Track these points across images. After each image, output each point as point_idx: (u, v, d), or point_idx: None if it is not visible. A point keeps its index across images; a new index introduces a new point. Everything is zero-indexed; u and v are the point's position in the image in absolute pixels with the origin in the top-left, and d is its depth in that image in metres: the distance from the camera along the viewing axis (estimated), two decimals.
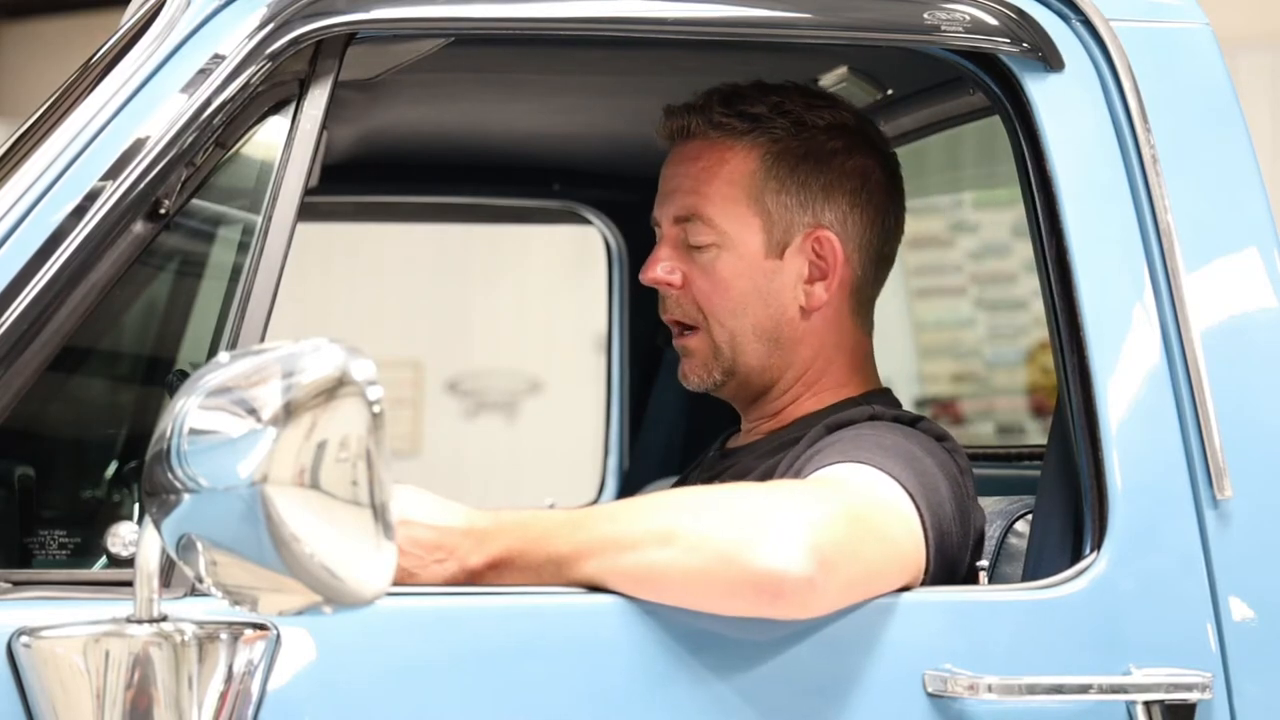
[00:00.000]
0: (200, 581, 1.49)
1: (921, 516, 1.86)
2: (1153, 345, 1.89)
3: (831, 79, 2.37)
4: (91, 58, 2.07)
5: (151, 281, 2.39)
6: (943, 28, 1.93)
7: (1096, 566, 1.82)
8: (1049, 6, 1.95)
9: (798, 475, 1.95)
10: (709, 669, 1.73)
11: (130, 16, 2.13)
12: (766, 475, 2.05)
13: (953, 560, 1.93)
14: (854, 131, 2.17)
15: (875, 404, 2.11)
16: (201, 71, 1.77)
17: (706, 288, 2.13)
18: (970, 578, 1.96)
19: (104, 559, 1.77)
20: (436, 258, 7.98)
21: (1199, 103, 1.97)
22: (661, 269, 2.16)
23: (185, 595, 1.66)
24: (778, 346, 2.14)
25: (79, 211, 1.72)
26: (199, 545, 1.46)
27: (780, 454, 2.08)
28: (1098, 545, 1.83)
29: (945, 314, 7.23)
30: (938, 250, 7.06)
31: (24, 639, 1.59)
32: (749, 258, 2.12)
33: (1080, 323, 1.89)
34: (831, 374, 2.16)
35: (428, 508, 1.78)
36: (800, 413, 2.15)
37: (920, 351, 7.22)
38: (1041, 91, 1.94)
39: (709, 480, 2.17)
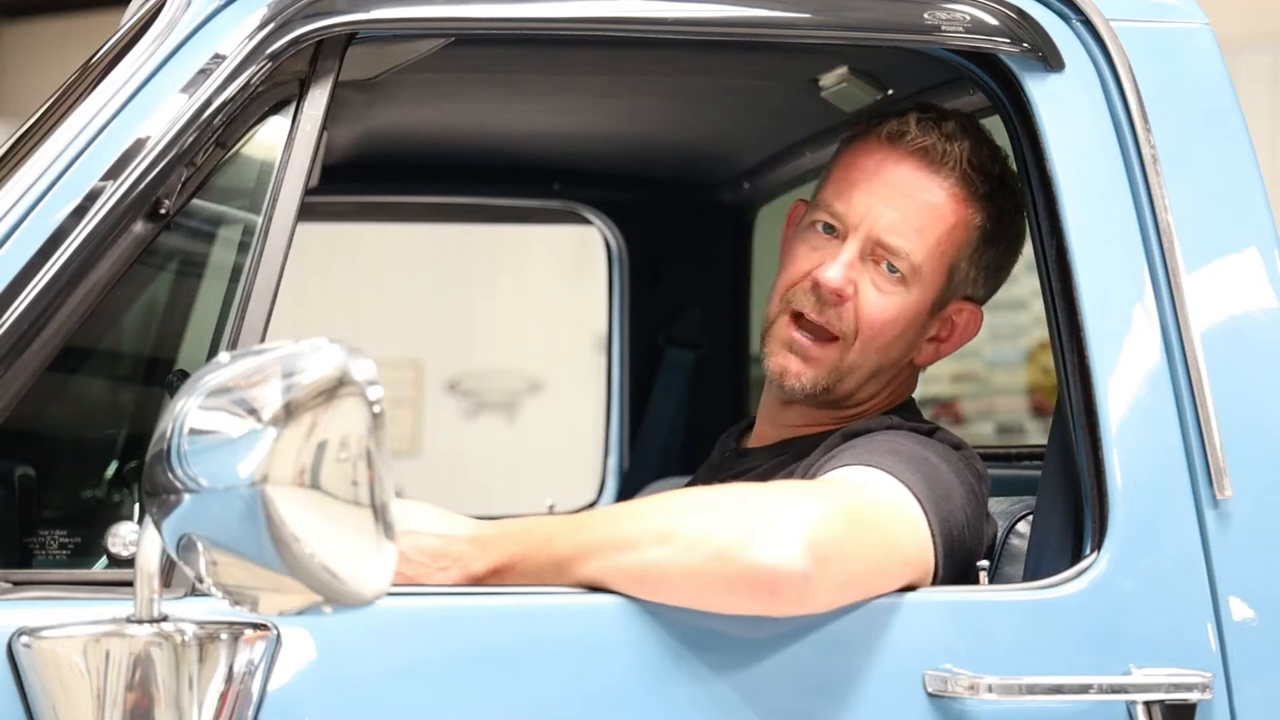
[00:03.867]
0: (200, 581, 1.49)
1: (929, 520, 1.85)
2: (1153, 345, 1.89)
3: (831, 79, 2.37)
4: (91, 58, 2.07)
5: (151, 281, 2.39)
6: (943, 28, 1.92)
7: (1096, 566, 1.82)
8: (1049, 6, 1.95)
9: (811, 479, 1.95)
10: (709, 668, 1.73)
11: (130, 16, 2.13)
12: (784, 478, 2.05)
13: (963, 567, 1.92)
14: (1021, 202, 2.12)
15: (896, 414, 2.11)
16: (201, 71, 1.77)
17: (876, 316, 2.08)
18: (970, 578, 1.96)
19: (104, 559, 1.77)
20: (436, 258, 7.98)
21: (1199, 103, 1.97)
22: (845, 279, 2.07)
23: (185, 595, 1.66)
24: (880, 383, 2.14)
25: (79, 211, 1.72)
26: (199, 545, 1.46)
27: (798, 461, 2.07)
28: (1098, 545, 1.83)
29: None
30: None
31: (24, 639, 1.59)
32: (920, 307, 2.10)
33: (1080, 323, 1.89)
34: (887, 401, 2.17)
35: (431, 518, 1.79)
36: (839, 427, 2.13)
37: None
38: (1041, 91, 1.94)
39: (724, 478, 2.17)
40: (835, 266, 2.07)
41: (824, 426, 2.14)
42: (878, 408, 2.16)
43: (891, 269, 2.07)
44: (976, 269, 2.12)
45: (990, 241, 2.11)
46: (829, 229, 2.11)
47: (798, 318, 2.11)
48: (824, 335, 2.10)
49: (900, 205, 2.08)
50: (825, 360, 2.10)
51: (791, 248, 2.15)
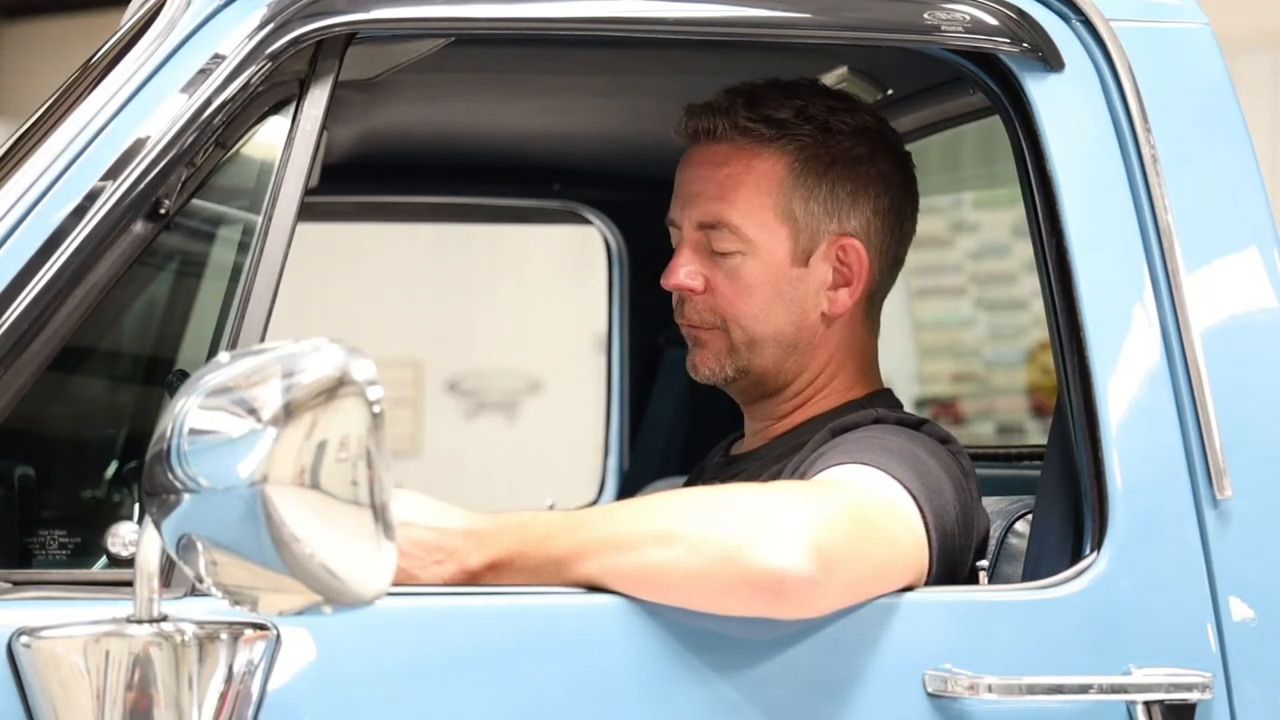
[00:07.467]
0: (200, 581, 1.49)
1: (924, 517, 1.86)
2: (1153, 345, 1.89)
3: (831, 79, 2.37)
4: (91, 58, 2.07)
5: (151, 281, 2.39)
6: (943, 28, 1.92)
7: (1096, 566, 1.82)
8: (1049, 6, 1.95)
9: (803, 478, 1.95)
10: (709, 668, 1.73)
11: (130, 16, 2.13)
12: (773, 480, 2.05)
13: (955, 563, 1.93)
14: (876, 135, 2.16)
15: (879, 406, 2.11)
16: (201, 71, 1.77)
17: (730, 294, 2.11)
18: (970, 578, 1.97)
19: (104, 559, 1.77)
20: (436, 258, 7.98)
21: (1199, 103, 1.97)
22: (685, 274, 2.13)
23: (185, 595, 1.66)
24: (795, 351, 2.13)
25: (79, 211, 1.72)
26: (199, 545, 1.46)
27: (786, 459, 2.07)
28: (1098, 545, 1.83)
29: (945, 314, 7.23)
30: (938, 250, 7.07)
31: (24, 639, 1.59)
32: (775, 265, 2.10)
33: (1080, 323, 1.89)
34: (842, 378, 2.15)
35: (427, 510, 1.78)
36: (807, 415, 2.15)
37: (920, 351, 7.22)
38: (1041, 91, 1.94)
39: (716, 483, 2.16)
40: (670, 268, 2.14)
41: (796, 418, 2.15)
42: (837, 378, 2.15)
43: (721, 242, 2.11)
44: (819, 202, 2.11)
45: (812, 170, 2.11)
46: (675, 238, 2.18)
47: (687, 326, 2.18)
48: (706, 326, 2.14)
49: (700, 186, 2.13)
50: (716, 343, 2.14)
51: None
